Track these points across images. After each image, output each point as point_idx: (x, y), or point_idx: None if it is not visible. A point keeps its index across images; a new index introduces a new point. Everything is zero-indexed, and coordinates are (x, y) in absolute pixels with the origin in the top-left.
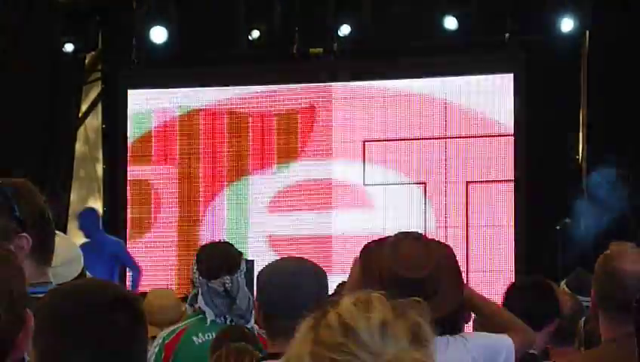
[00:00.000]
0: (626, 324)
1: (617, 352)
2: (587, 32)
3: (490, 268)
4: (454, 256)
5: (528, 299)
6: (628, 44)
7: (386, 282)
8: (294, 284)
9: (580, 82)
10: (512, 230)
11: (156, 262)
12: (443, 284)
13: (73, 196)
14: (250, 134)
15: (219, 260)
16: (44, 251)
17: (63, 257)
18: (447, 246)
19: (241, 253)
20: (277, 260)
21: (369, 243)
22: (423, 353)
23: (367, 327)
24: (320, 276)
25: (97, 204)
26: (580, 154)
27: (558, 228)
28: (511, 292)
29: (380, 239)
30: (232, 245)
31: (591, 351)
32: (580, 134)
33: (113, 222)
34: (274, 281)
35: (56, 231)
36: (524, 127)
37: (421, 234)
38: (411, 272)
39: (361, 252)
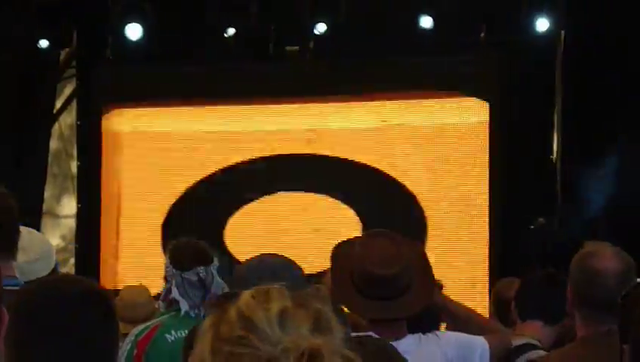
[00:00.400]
0: (603, 323)
1: (593, 351)
2: (562, 32)
3: (464, 268)
4: (425, 255)
5: (543, 295)
6: (603, 43)
7: (356, 280)
8: (276, 278)
9: (554, 82)
10: (486, 229)
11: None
12: (414, 282)
13: (47, 193)
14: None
15: (192, 252)
16: (9, 245)
17: (36, 253)
18: (418, 245)
19: (214, 249)
20: (254, 257)
21: (339, 242)
22: (325, 339)
23: (266, 318)
24: (296, 273)
25: (71, 201)
26: (555, 154)
27: (531, 227)
28: (524, 288)
29: (350, 238)
30: (204, 242)
31: (566, 348)
32: (555, 134)
33: (87, 218)
34: (251, 277)
35: (30, 229)
36: (498, 127)
37: (391, 232)
38: (382, 269)
39: (332, 252)
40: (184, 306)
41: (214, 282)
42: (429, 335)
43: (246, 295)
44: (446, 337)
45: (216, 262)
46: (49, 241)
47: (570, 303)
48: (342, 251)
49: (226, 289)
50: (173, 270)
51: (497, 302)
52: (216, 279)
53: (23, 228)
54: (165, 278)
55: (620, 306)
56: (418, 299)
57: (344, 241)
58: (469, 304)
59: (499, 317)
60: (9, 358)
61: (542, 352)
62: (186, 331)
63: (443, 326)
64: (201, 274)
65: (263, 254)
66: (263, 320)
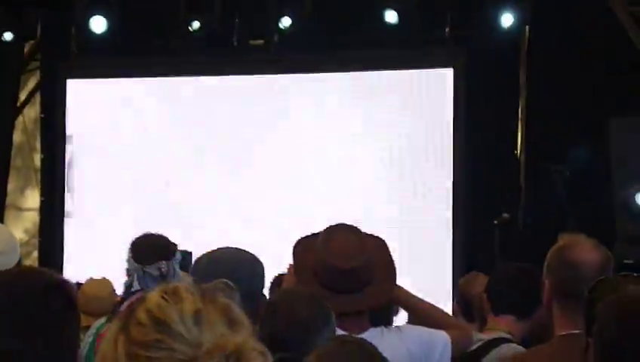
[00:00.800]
0: (579, 315)
1: (570, 348)
2: (527, 27)
3: (427, 264)
4: (388, 248)
5: (515, 288)
6: (568, 39)
7: (319, 273)
8: (231, 275)
9: (519, 77)
10: (450, 224)
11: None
12: (376, 275)
13: (10, 186)
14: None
15: (154, 246)
16: None
17: (0, 247)
18: (381, 239)
19: (175, 244)
20: (214, 250)
21: (302, 237)
22: (244, 334)
23: (181, 318)
24: (256, 266)
25: (34, 194)
26: (519, 149)
27: (495, 222)
28: (496, 282)
29: (313, 233)
30: (166, 236)
31: (542, 346)
32: (519, 129)
33: (51, 212)
34: (211, 270)
35: None
36: (462, 122)
37: (354, 226)
38: (344, 262)
39: (294, 246)
40: None
41: (175, 276)
42: (391, 328)
43: (154, 296)
44: (408, 331)
45: (178, 256)
46: (14, 235)
47: (548, 296)
48: (303, 245)
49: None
50: (135, 264)
51: (461, 297)
52: (177, 273)
53: None
54: (127, 271)
55: (587, 300)
56: (381, 292)
57: (306, 236)
58: (432, 299)
59: (463, 311)
60: None
61: (515, 346)
62: None
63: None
64: (162, 269)
65: (220, 248)
66: (177, 321)
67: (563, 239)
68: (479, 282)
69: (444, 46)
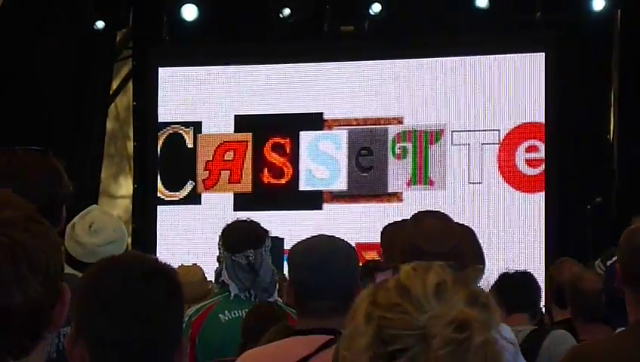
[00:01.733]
0: None
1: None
2: (619, 11)
3: (521, 248)
4: (475, 236)
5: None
6: None
7: (408, 258)
8: (326, 265)
9: (611, 61)
10: (543, 209)
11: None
12: (466, 261)
13: (104, 173)
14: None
15: (243, 234)
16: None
17: (109, 235)
18: (469, 227)
19: (266, 231)
20: (309, 239)
21: (388, 224)
22: (480, 312)
23: (423, 288)
24: (351, 256)
25: (127, 181)
26: (611, 134)
27: (589, 207)
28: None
29: (400, 220)
30: (258, 223)
31: (618, 333)
32: (612, 113)
33: (143, 199)
34: (306, 262)
35: (105, 210)
36: (555, 107)
37: (443, 213)
38: (434, 246)
39: (382, 233)
40: (234, 289)
41: (263, 265)
42: None
43: (407, 267)
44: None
45: (268, 243)
46: (122, 223)
47: (620, 281)
48: (391, 231)
49: (275, 275)
50: (224, 252)
51: (552, 283)
52: (265, 262)
53: (97, 209)
54: (218, 259)
55: None
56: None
57: (394, 221)
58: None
59: (554, 297)
60: (73, 334)
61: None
62: (239, 311)
63: None
64: (250, 258)
65: (315, 237)
66: (419, 289)
67: (635, 222)
68: (567, 268)
69: (535, 30)
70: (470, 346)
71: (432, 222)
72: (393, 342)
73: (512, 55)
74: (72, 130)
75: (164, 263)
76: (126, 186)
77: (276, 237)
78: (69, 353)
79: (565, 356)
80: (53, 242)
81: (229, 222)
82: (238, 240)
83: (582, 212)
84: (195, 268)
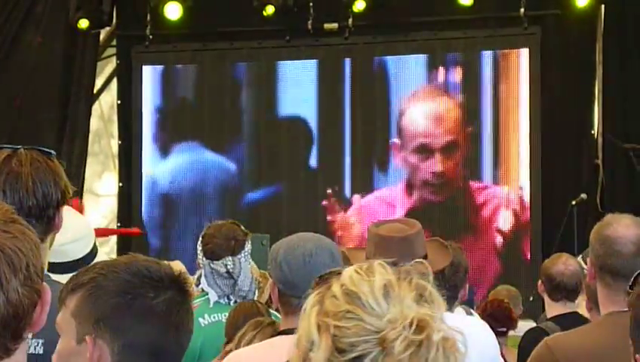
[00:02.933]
0: (623, 294)
1: (613, 327)
2: (602, 7)
3: (506, 246)
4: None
5: None
6: None
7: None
8: (310, 263)
9: (595, 57)
10: (527, 205)
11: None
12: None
13: (88, 171)
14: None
15: (222, 241)
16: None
17: (72, 234)
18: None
19: (247, 233)
20: (292, 237)
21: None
22: (430, 309)
23: (371, 291)
24: (335, 252)
25: (112, 180)
26: (595, 129)
27: (574, 203)
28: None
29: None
30: (238, 225)
31: (592, 325)
32: (595, 109)
33: (128, 197)
34: (289, 260)
35: (67, 207)
36: (538, 102)
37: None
38: (395, 233)
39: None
40: (213, 296)
41: (242, 272)
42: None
43: (349, 271)
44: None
45: (248, 248)
46: (87, 222)
47: (591, 275)
48: (374, 226)
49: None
50: (203, 259)
51: (545, 277)
52: (244, 269)
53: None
54: (197, 264)
55: (634, 299)
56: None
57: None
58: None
59: (548, 290)
60: (108, 343)
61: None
62: (219, 315)
63: None
64: (229, 266)
65: (298, 235)
66: (367, 293)
67: (605, 217)
68: (562, 261)
69: (518, 27)
70: (430, 345)
71: (394, 221)
72: (351, 351)
73: (496, 51)
74: (57, 128)
75: (172, 269)
76: (110, 185)
77: (263, 236)
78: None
79: (539, 349)
80: (33, 243)
81: (209, 225)
82: (217, 247)
83: (567, 208)
84: (176, 266)
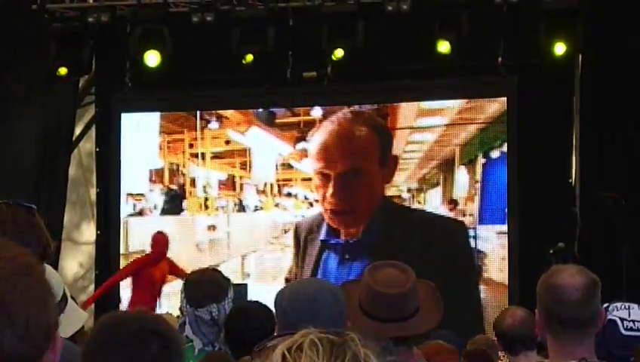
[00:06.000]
0: (572, 344)
1: None
2: (580, 55)
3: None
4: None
5: None
6: (621, 67)
7: (364, 302)
8: (314, 304)
9: (572, 105)
10: (506, 252)
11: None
12: (421, 307)
13: (66, 219)
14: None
15: (206, 288)
16: None
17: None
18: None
19: (228, 280)
20: (296, 283)
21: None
22: None
23: None
24: (337, 298)
25: (90, 228)
26: (574, 178)
27: (551, 251)
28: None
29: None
30: (219, 272)
31: None
32: (573, 158)
33: (107, 245)
34: (293, 304)
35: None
36: (516, 150)
37: (401, 263)
38: (386, 289)
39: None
40: (198, 344)
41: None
42: None
43: (278, 353)
44: None
45: (230, 294)
46: (54, 271)
47: (540, 326)
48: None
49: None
50: (187, 306)
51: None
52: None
53: None
54: (180, 310)
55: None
56: (424, 321)
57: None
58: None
59: (506, 348)
60: None
61: None
62: None
63: None
64: (213, 313)
65: (302, 281)
66: None
67: (551, 268)
68: (509, 314)
69: (496, 75)
70: None
71: (387, 270)
72: None
73: (475, 100)
74: (36, 175)
75: (159, 320)
76: (89, 233)
77: (238, 284)
78: None
79: None
80: (42, 299)
81: (191, 273)
82: (201, 295)
83: (545, 256)
84: (168, 317)
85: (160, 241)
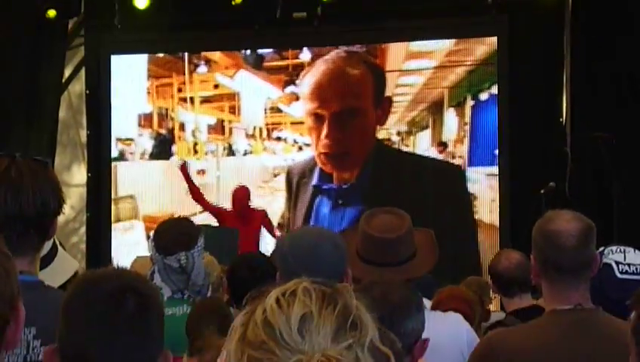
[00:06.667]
0: (568, 289)
1: (555, 325)
2: None
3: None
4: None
5: None
6: (611, 4)
7: (360, 248)
8: (315, 252)
9: (563, 45)
10: (496, 194)
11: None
12: (417, 252)
13: (57, 162)
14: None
15: (175, 236)
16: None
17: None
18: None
19: (199, 229)
20: (296, 231)
21: (345, 228)
22: (347, 344)
23: (286, 323)
24: (338, 247)
25: (81, 170)
26: (564, 117)
27: (542, 192)
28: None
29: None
30: (190, 221)
31: (536, 322)
32: (564, 96)
33: (97, 187)
34: (295, 253)
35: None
36: (507, 91)
37: (398, 209)
38: (385, 233)
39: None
40: (167, 292)
41: (195, 267)
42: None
43: (272, 297)
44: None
45: (200, 243)
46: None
47: (536, 272)
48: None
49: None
50: (156, 254)
51: (493, 277)
52: (197, 264)
53: None
54: (151, 259)
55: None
56: (420, 265)
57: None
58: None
59: (501, 290)
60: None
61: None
62: (173, 309)
63: None
64: (182, 261)
65: (303, 229)
66: (282, 326)
67: (546, 213)
68: (505, 257)
69: (487, 14)
70: None
71: (383, 215)
72: None
73: (464, 42)
74: (26, 118)
75: (136, 277)
76: (79, 175)
77: (230, 229)
78: None
79: (481, 343)
80: (3, 269)
81: (161, 223)
82: (170, 242)
83: (535, 196)
84: (144, 261)
85: (238, 195)
